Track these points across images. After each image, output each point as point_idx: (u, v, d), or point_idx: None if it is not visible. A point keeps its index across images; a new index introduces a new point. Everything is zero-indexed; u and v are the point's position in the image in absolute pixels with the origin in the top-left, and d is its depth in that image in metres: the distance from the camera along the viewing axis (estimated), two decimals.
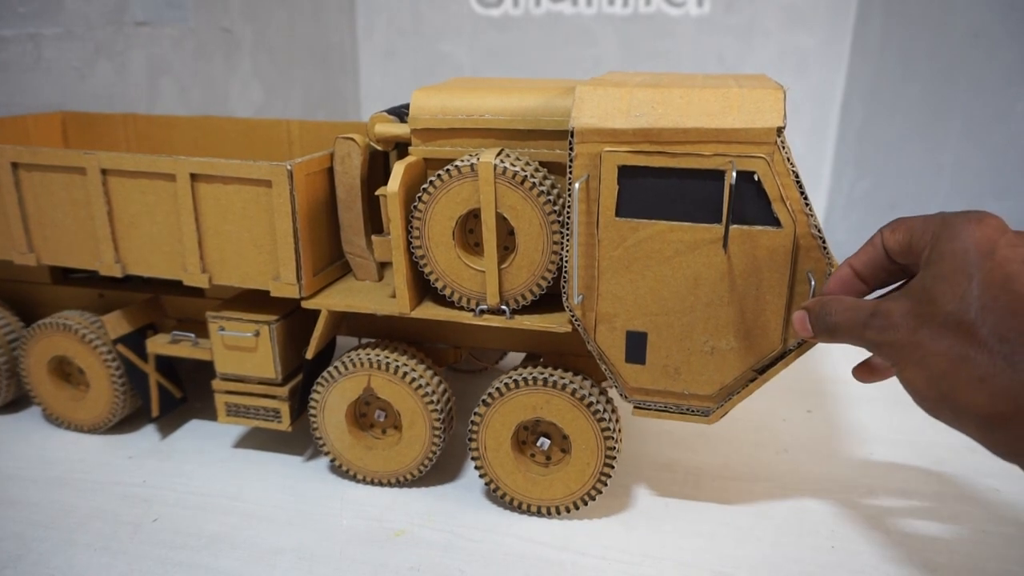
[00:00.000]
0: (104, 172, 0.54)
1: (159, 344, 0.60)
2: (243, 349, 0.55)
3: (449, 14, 1.36)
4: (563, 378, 0.50)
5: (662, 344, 0.47)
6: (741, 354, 0.46)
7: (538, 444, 0.52)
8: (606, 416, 0.49)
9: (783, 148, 0.42)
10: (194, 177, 0.53)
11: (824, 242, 0.43)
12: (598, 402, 0.49)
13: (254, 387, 0.57)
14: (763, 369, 0.46)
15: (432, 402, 0.52)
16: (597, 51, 1.32)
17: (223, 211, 0.53)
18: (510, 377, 0.51)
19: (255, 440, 0.63)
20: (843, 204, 1.34)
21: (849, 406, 0.70)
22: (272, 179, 0.50)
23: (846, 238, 1.29)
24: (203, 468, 0.59)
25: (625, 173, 0.44)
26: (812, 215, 0.43)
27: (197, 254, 0.54)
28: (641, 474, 0.58)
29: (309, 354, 0.55)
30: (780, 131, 0.42)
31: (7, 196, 0.57)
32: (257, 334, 0.54)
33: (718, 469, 0.59)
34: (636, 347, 0.47)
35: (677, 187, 0.44)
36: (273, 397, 0.56)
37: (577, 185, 0.44)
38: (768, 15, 1.26)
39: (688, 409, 0.49)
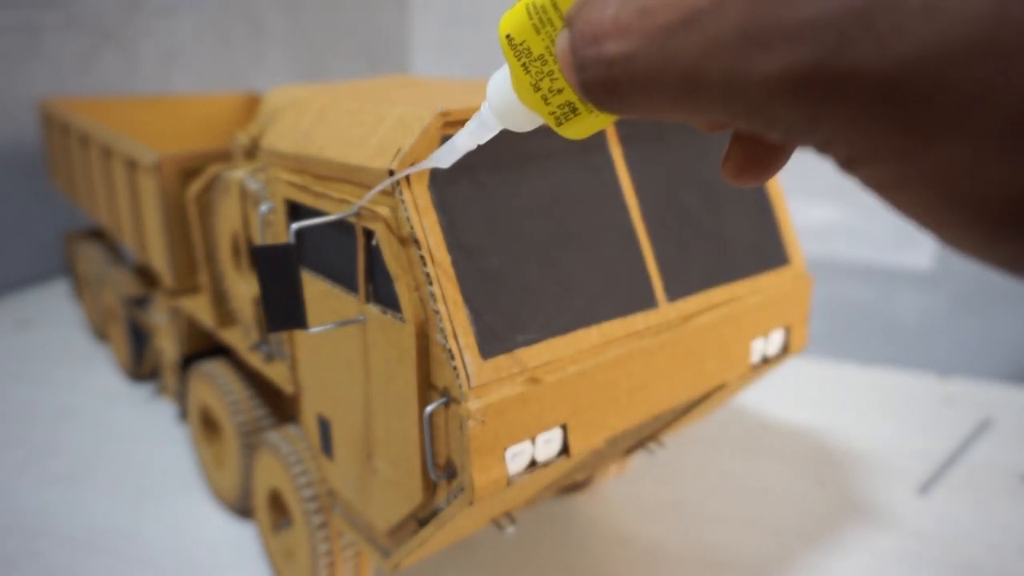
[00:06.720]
0: None
1: None
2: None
3: (512, 3, 1.23)
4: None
5: (343, 442, 0.35)
6: (396, 489, 0.32)
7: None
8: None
9: (411, 203, 0.27)
10: None
11: (454, 356, 0.27)
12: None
13: None
14: (425, 520, 0.32)
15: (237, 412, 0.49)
16: None
17: None
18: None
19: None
20: None
21: (877, 480, 0.56)
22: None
23: None
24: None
25: (294, 209, 0.35)
26: (439, 312, 0.27)
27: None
28: (587, 545, 0.48)
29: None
30: (395, 175, 0.27)
31: None
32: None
33: (684, 549, 0.48)
34: (325, 435, 0.38)
35: (328, 238, 0.33)
36: None
37: (261, 216, 0.36)
38: None
39: (372, 539, 0.36)
